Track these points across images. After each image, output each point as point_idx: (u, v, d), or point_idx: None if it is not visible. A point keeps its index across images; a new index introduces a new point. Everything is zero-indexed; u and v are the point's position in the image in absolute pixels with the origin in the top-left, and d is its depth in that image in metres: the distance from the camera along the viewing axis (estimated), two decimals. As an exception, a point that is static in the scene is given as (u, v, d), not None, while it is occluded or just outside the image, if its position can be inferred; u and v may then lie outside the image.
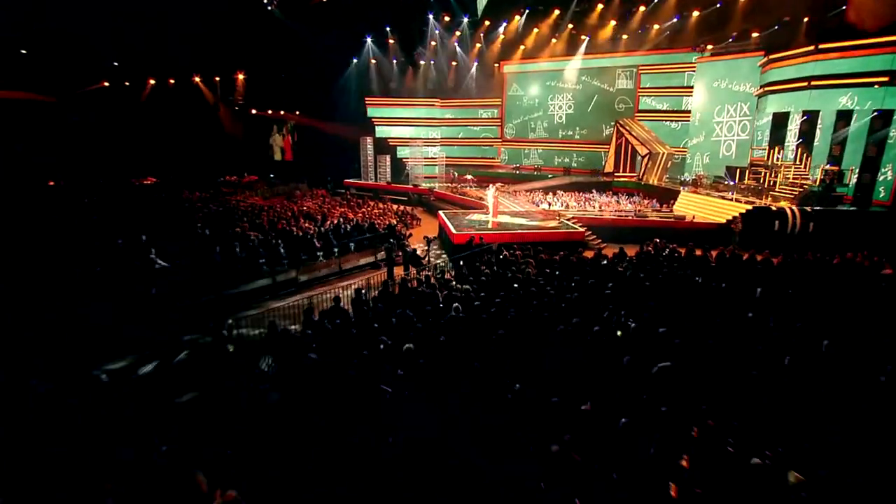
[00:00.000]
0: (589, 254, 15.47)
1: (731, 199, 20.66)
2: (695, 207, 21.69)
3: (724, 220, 19.34)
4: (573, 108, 34.18)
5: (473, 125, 37.73)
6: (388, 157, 33.51)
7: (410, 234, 18.12)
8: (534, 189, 28.98)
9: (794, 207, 17.98)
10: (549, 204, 24.58)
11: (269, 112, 36.73)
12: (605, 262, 13.67)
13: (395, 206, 25.70)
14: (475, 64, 35.58)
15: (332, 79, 34.25)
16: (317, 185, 34.27)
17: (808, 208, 17.89)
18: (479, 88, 36.35)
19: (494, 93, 36.62)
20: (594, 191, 27.61)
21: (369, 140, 33.54)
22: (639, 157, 29.78)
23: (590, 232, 19.16)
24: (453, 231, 17.30)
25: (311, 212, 20.40)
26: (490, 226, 18.50)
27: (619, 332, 7.65)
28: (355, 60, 34.51)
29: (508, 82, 36.56)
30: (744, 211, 18.85)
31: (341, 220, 18.61)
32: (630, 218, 20.77)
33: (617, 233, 19.89)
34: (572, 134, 34.58)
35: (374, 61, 34.73)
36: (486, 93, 36.50)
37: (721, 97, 25.39)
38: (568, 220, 20.04)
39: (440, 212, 21.63)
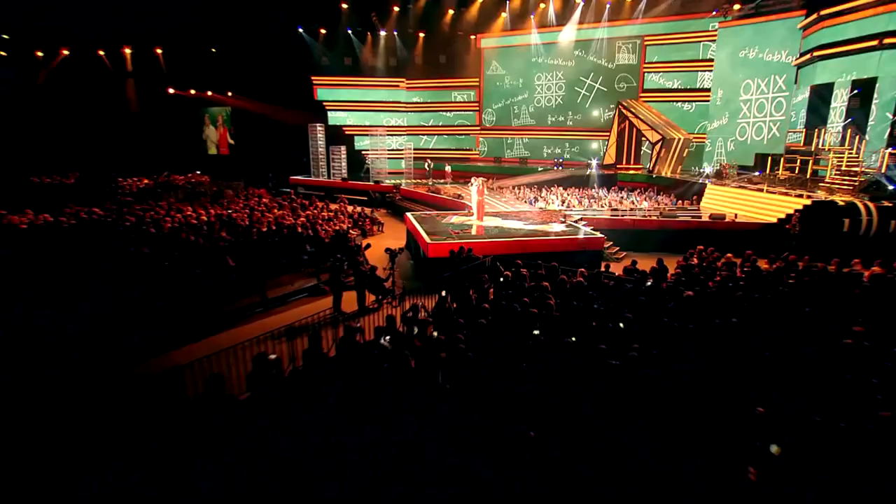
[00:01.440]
0: (613, 268, 12.08)
1: (772, 193, 17.71)
2: (727, 204, 18.73)
3: (773, 219, 16.32)
4: (564, 90, 31.13)
5: (446, 110, 34.24)
6: (342, 149, 29.55)
7: (368, 246, 14.30)
8: (522, 185, 25.61)
9: (867, 202, 15.04)
10: (546, 202, 21.21)
11: (193, 92, 32.06)
12: (647, 280, 10.28)
13: (350, 208, 21.83)
14: (446, 36, 32.08)
15: (273, 54, 30.07)
16: (257, 183, 30.03)
17: (887, 203, 14.99)
18: (452, 66, 32.88)
19: (470, 72, 33.28)
20: (596, 186, 24.44)
21: (319, 128, 29.51)
22: (646, 145, 26.88)
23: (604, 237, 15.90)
24: (427, 240, 13.61)
25: (236, 218, 16.30)
26: (475, 231, 14.94)
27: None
28: (300, 30, 30.46)
29: (487, 59, 33.30)
30: (801, 207, 15.84)
31: (273, 227, 14.63)
32: (654, 219, 17.54)
33: (638, 238, 16.79)
34: (564, 120, 31.53)
35: (323, 31, 30.75)
36: (460, 72, 33.12)
37: (749, 69, 22.67)
38: (576, 222, 16.68)
39: (408, 213, 17.91)
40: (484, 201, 16.93)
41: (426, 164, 27.02)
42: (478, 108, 33.98)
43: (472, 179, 16.84)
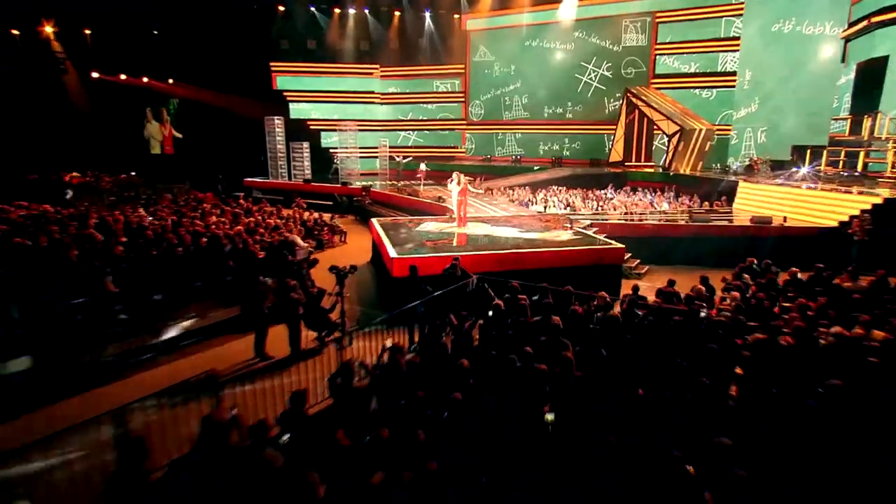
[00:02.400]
0: (638, 290, 9.50)
1: (827, 191, 15.30)
2: (765, 204, 16.35)
3: (832, 223, 13.87)
4: (563, 77, 28.84)
5: (427, 102, 31.73)
6: (305, 146, 26.85)
7: (315, 262, 11.50)
8: (515, 185, 23.05)
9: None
10: (546, 205, 18.65)
11: (123, 77, 29.07)
12: (700, 311, 7.70)
13: (307, 214, 19.06)
14: (427, 15, 29.64)
15: (223, 35, 27.32)
16: (206, 187, 27.15)
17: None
18: (433, 51, 30.42)
19: (455, 58, 30.90)
20: (610, 186, 21.97)
21: (278, 122, 26.77)
22: (659, 139, 24.55)
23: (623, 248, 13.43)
24: (392, 253, 10.92)
25: (150, 224, 13.38)
26: (455, 242, 12.32)
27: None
28: (255, 8, 27.81)
29: (473, 44, 30.94)
30: (867, 208, 13.42)
31: (188, 239, 11.76)
32: (683, 224, 15.03)
33: (662, 248, 14.44)
34: (563, 112, 29.19)
35: (281, 8, 28.12)
36: (443, 57, 30.71)
37: (784, 46, 20.44)
38: (584, 228, 14.12)
39: (374, 220, 15.24)
40: (467, 202, 14.27)
41: (397, 158, 24.27)
42: (463, 100, 31.54)
43: (453, 175, 14.16)
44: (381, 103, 31.53)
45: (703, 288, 9.26)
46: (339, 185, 24.44)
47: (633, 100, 24.41)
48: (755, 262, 10.93)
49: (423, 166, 22.93)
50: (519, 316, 7.00)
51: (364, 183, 23.71)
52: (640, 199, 19.63)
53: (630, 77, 26.67)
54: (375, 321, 8.34)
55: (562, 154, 28.85)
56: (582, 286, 10.38)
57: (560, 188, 21.69)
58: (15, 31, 27.38)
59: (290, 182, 26.39)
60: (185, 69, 28.64)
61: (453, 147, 31.88)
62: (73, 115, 29.10)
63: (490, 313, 7.13)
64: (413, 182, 23.62)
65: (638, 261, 14.03)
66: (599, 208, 18.46)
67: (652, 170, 24.07)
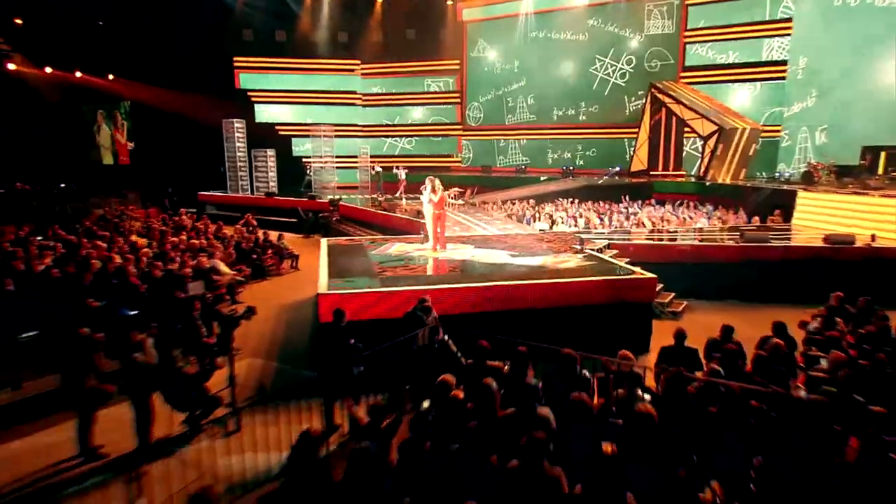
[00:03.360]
0: (683, 341, 6.76)
1: None
2: (833, 220, 13.60)
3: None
4: (576, 74, 26.47)
5: (417, 104, 29.37)
6: (270, 154, 24.49)
7: (218, 298, 8.76)
8: (516, 199, 20.39)
9: None
10: (552, 221, 15.91)
11: (49, 70, 26.81)
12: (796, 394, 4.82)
13: (261, 234, 16.51)
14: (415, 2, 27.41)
15: (176, 24, 25.15)
16: (157, 201, 24.86)
17: None
18: (424, 44, 28.12)
19: (449, 52, 28.65)
20: (626, 198, 19.27)
21: (238, 126, 24.39)
22: (691, 143, 21.96)
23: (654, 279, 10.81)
24: (320, 287, 8.26)
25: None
26: (431, 269, 9.70)
27: None
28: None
29: (471, 37, 28.74)
30: None
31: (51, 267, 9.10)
32: (731, 245, 12.24)
33: (703, 276, 11.76)
34: (576, 114, 26.72)
35: (245, -6, 26.02)
36: (435, 52, 28.39)
37: (851, 23, 17.83)
38: (599, 250, 11.40)
39: (324, 241, 12.60)
40: (445, 215, 11.57)
41: (397, 170, 21.54)
42: (459, 101, 29.19)
43: (426, 182, 11.49)
44: (364, 105, 29.16)
45: (782, 342, 6.43)
46: (306, 200, 21.87)
47: (660, 96, 21.86)
48: (842, 297, 8.11)
49: (402, 174, 20.37)
50: (480, 408, 4.17)
51: (333, 197, 21.12)
52: (671, 214, 16.86)
53: (655, 71, 24.16)
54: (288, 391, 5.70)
55: (574, 163, 26.24)
56: (595, 335, 7.65)
57: (571, 201, 18.98)
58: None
59: (251, 196, 23.92)
60: (130, 64, 26.42)
61: (448, 156, 29.40)
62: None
63: (425, 404, 4.30)
64: (393, 198, 21.03)
65: (672, 295, 11.23)
66: (619, 225, 15.71)
67: (683, 179, 21.39)
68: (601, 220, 16.43)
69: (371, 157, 26.02)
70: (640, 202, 19.13)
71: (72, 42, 25.68)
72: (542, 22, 26.78)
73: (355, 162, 26.19)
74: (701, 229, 15.07)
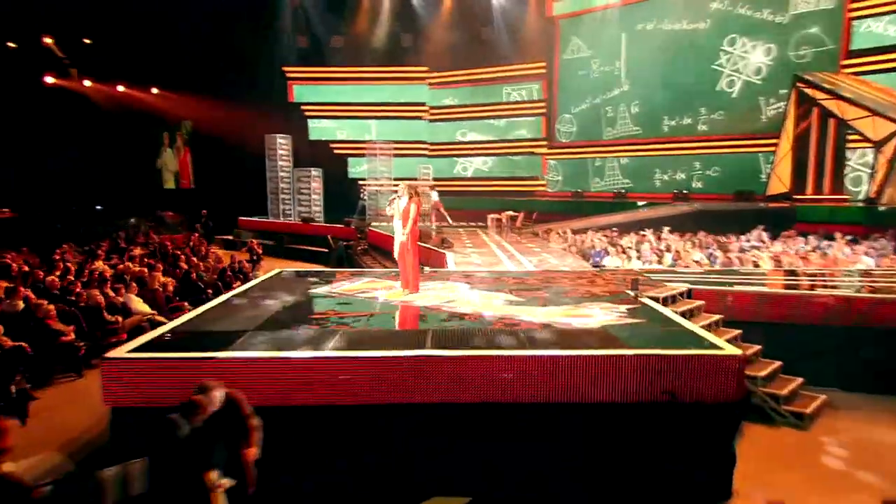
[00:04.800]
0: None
1: None
2: None
3: None
4: (695, 72, 22.08)
5: (495, 116, 26.35)
6: (314, 174, 22.77)
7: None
8: (597, 227, 16.43)
9: None
10: (627, 254, 11.88)
11: (88, 84, 27.05)
12: None
13: (247, 260, 14.23)
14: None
15: (224, 34, 24.49)
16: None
17: None
18: (503, 46, 25.22)
19: (534, 54, 25.37)
20: (760, 228, 14.74)
21: (282, 142, 23.01)
22: (857, 156, 16.78)
23: (758, 347, 6.86)
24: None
25: None
26: (381, 317, 6.52)
27: None
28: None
29: (564, 35, 25.55)
30: None
31: None
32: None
33: (861, 349, 7.10)
34: (693, 124, 22.30)
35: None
36: (517, 54, 25.36)
37: None
38: (669, 299, 7.43)
39: (276, 270, 9.84)
40: (416, 237, 8.28)
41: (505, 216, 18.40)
42: (545, 112, 25.79)
43: (399, 187, 8.42)
44: (431, 119, 26.69)
45: None
46: (337, 226, 19.66)
47: (810, 93, 17.20)
48: None
49: (434, 195, 17.46)
50: None
51: (362, 221, 18.64)
52: (818, 250, 12.09)
53: (804, 61, 19.20)
54: None
55: (689, 185, 21.60)
56: (610, 463, 5.33)
57: (654, 233, 14.68)
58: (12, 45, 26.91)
59: (286, 222, 22.19)
60: (186, 80, 26.12)
61: (531, 179, 25.91)
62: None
63: None
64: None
65: (797, 382, 7.07)
66: (727, 262, 11.30)
67: (842, 204, 16.20)
68: (704, 254, 12.07)
69: (434, 179, 23.41)
70: (764, 233, 14.41)
71: (137, 60, 26.05)
72: (652, 10, 22.88)
73: (417, 184, 23.64)
74: (867, 272, 10.29)
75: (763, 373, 7.01)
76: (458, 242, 14.69)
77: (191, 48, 24.55)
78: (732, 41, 21.05)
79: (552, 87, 25.75)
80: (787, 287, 8.94)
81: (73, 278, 10.13)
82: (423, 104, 26.63)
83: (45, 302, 8.41)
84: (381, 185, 23.95)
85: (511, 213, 15.95)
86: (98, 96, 26.71)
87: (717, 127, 21.53)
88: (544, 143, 25.88)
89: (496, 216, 15.96)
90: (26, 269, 11.12)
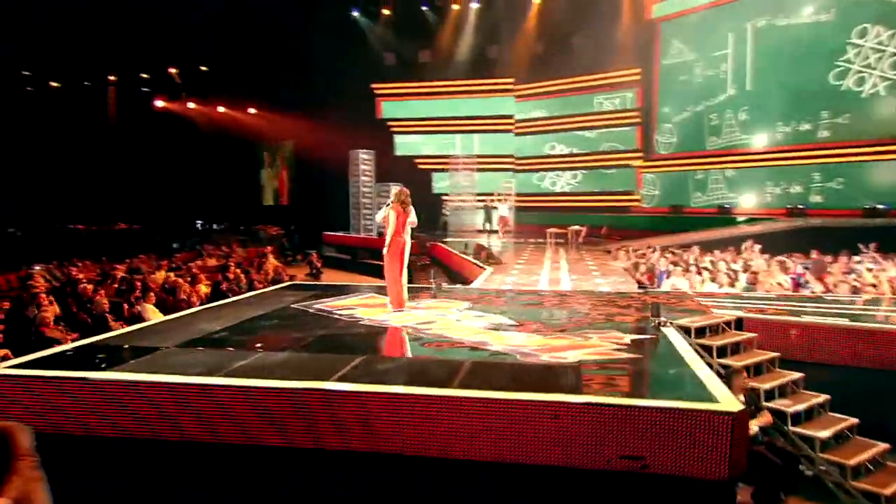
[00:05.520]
0: None
1: None
2: None
3: None
4: (815, 71, 19.05)
5: (586, 127, 24.37)
6: (392, 188, 21.97)
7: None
8: (684, 245, 14.22)
9: None
10: (717, 279, 9.85)
11: (192, 106, 28.45)
12: None
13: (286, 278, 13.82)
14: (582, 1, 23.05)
15: (310, 52, 24.94)
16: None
17: None
18: (593, 54, 23.31)
19: (629, 61, 23.25)
20: (871, 247, 11.99)
21: (365, 158, 22.79)
22: None
23: (824, 397, 5.40)
24: None
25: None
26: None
27: None
28: (356, 13, 24.78)
29: (665, 39, 23.19)
30: None
31: None
32: None
33: None
34: (812, 130, 19.12)
35: (386, 12, 24.62)
36: (610, 61, 23.30)
37: None
38: (706, 331, 5.67)
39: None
40: (404, 248, 7.09)
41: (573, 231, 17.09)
42: (640, 122, 23.40)
43: (392, 189, 7.47)
44: (518, 133, 25.27)
45: None
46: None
47: None
48: None
49: (503, 209, 16.00)
50: None
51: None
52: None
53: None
54: None
55: (806, 199, 18.36)
56: None
57: (756, 249, 12.22)
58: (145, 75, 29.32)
59: (361, 237, 21.83)
60: (278, 99, 26.90)
61: (625, 193, 23.55)
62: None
63: None
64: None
65: (882, 447, 5.07)
66: (825, 288, 8.91)
67: None
68: (794, 278, 9.64)
69: (518, 194, 22.12)
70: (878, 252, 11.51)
71: (234, 82, 27.34)
72: (764, 5, 20.02)
73: (500, 199, 22.53)
74: None
75: (825, 433, 4.99)
76: (513, 258, 13.27)
77: (284, 69, 25.29)
78: (863, 32, 17.70)
79: (651, 96, 23.36)
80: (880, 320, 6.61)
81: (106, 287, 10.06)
82: (509, 117, 25.35)
83: (50, 308, 8.20)
84: (464, 201, 23.02)
85: (576, 227, 14.20)
86: (201, 117, 28.34)
87: (842, 132, 18.11)
88: (639, 153, 23.48)
89: (555, 231, 14.30)
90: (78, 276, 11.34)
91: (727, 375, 5.11)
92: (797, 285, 9.55)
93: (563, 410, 3.56)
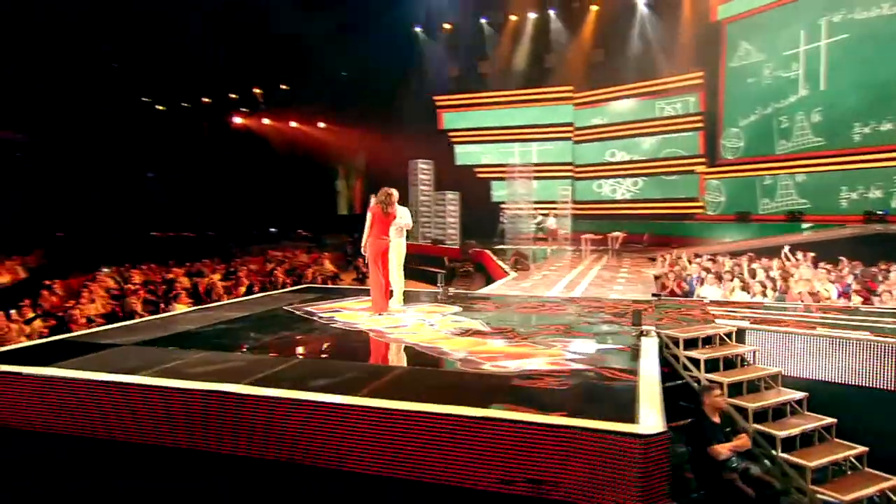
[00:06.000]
0: None
1: None
2: None
3: None
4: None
5: (646, 133, 23.45)
6: (450, 197, 22.46)
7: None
8: (738, 252, 13.41)
9: None
10: (750, 288, 9.28)
11: (267, 121, 29.56)
12: None
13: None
14: (642, 5, 22.29)
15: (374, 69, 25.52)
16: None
17: None
18: (653, 59, 22.50)
19: (691, 64, 22.22)
20: None
21: (424, 167, 23.08)
22: None
23: (829, 421, 5.34)
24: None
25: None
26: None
27: None
28: (419, 29, 25.17)
29: (731, 40, 22.00)
30: None
31: None
32: None
33: None
34: (894, 130, 17.23)
35: (448, 27, 24.82)
36: (672, 66, 22.41)
37: None
38: (712, 341, 5.49)
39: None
40: (385, 250, 7.12)
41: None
42: (702, 126, 22.25)
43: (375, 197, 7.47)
44: (577, 140, 24.67)
45: None
46: (451, 248, 19.04)
47: None
48: None
49: (552, 221, 15.56)
50: None
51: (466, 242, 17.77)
52: None
53: None
54: None
55: (887, 205, 16.73)
56: None
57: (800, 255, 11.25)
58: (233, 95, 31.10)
59: (415, 244, 21.96)
60: (347, 114, 27.71)
61: (688, 200, 22.39)
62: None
63: None
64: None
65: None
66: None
67: None
68: (842, 288, 8.78)
69: (574, 202, 21.69)
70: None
71: (306, 98, 28.46)
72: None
73: (558, 208, 22.10)
74: None
75: (819, 462, 4.48)
76: (549, 265, 12.94)
77: (350, 84, 26.11)
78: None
79: (715, 99, 22.13)
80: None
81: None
82: (568, 125, 24.76)
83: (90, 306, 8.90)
84: (521, 209, 22.76)
85: (616, 234, 13.66)
86: (274, 133, 29.72)
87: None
88: (701, 159, 22.26)
89: (591, 237, 13.81)
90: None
91: (699, 392, 4.74)
92: (843, 295, 8.68)
93: (461, 424, 3.40)
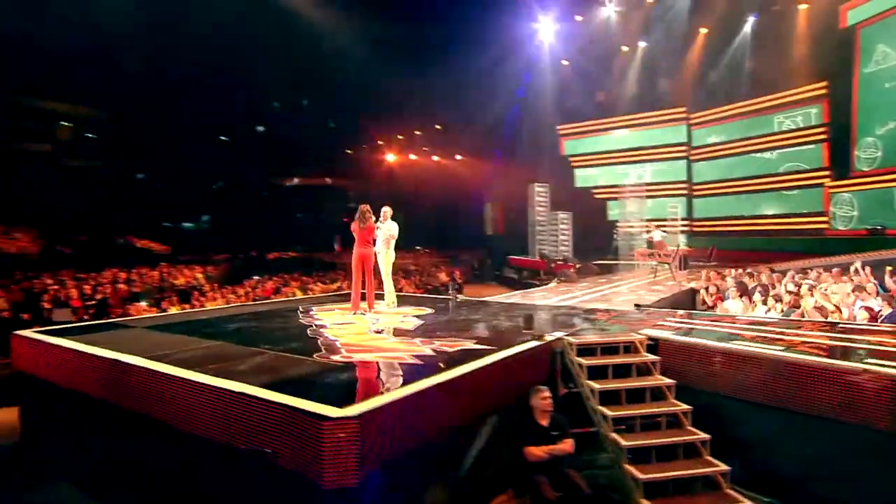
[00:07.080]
0: None
1: None
2: None
3: None
4: None
5: (765, 149, 21.92)
6: (562, 216, 23.37)
7: None
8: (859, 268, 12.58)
9: None
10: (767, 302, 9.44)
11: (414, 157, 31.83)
12: None
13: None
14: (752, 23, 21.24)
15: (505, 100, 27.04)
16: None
17: None
18: (769, 74, 21.17)
19: (808, 76, 20.49)
20: None
21: (540, 190, 24.24)
22: None
23: (704, 436, 5.22)
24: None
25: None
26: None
27: None
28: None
29: (865, 46, 19.84)
30: None
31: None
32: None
33: None
34: None
35: (566, 63, 25.63)
36: (791, 79, 20.83)
37: None
38: (629, 347, 6.02)
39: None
40: (368, 257, 8.03)
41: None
42: (825, 138, 20.21)
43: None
44: (695, 159, 23.79)
45: None
46: (538, 261, 20.25)
47: None
48: None
49: (656, 235, 15.47)
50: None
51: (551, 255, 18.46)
52: None
53: None
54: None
55: None
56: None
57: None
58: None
59: (527, 259, 23.23)
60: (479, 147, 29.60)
61: (812, 215, 20.46)
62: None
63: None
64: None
65: None
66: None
67: None
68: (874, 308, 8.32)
69: (690, 220, 21.26)
70: None
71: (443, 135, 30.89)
72: None
73: (668, 225, 21.71)
74: None
75: (650, 476, 4.59)
76: (598, 276, 13.21)
77: (480, 119, 27.98)
78: None
79: (846, 108, 19.96)
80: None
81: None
82: (680, 145, 24.11)
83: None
84: (633, 227, 22.72)
85: (675, 248, 13.50)
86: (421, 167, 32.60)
87: None
88: (825, 172, 20.18)
89: (644, 251, 13.74)
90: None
91: (528, 394, 4.94)
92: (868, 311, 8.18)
93: (225, 396, 4.25)
